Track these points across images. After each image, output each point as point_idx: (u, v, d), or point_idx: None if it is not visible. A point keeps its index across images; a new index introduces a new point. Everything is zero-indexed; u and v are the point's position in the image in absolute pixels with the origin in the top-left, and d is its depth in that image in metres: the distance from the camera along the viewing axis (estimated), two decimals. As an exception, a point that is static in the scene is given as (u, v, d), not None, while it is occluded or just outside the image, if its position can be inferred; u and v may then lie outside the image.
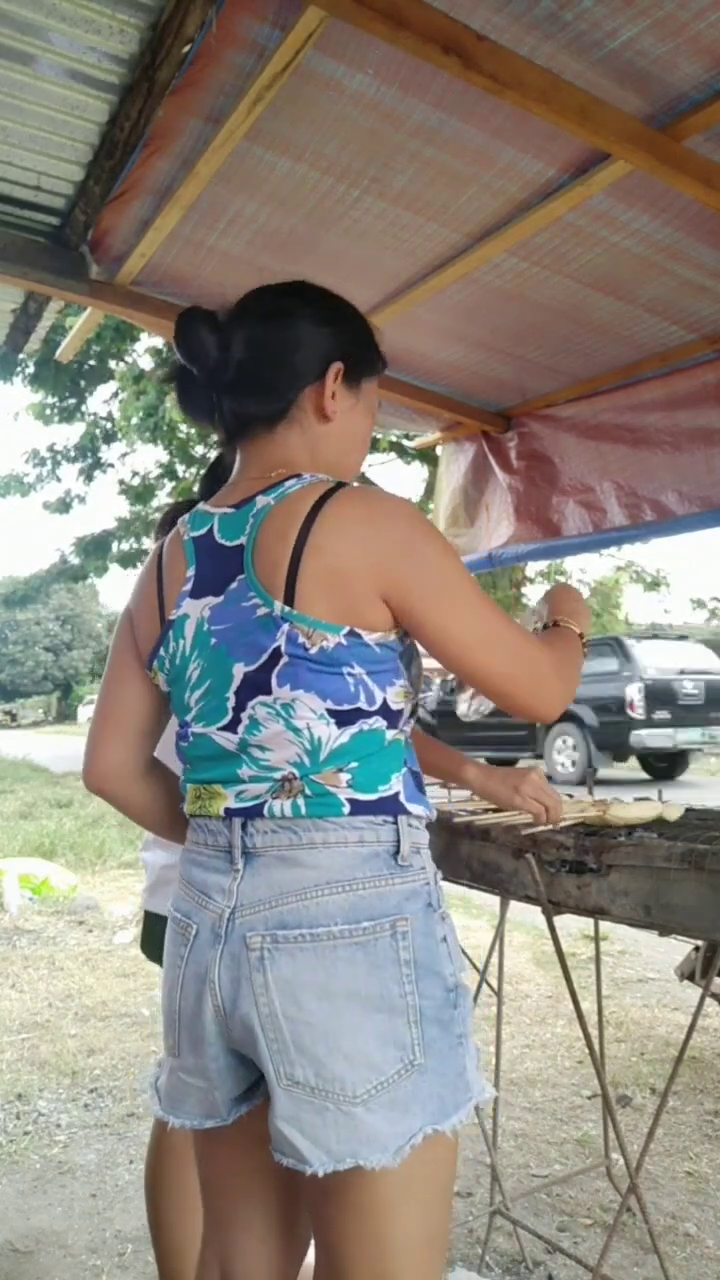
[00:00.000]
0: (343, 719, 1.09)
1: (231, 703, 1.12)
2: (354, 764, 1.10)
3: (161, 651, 1.20)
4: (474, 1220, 2.33)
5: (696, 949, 3.12)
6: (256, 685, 1.10)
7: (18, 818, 10.05)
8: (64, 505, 14.30)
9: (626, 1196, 1.77)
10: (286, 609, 1.07)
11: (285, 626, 1.08)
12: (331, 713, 1.09)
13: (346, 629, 1.08)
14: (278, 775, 1.11)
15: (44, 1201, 2.45)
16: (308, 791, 1.10)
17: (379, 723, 1.12)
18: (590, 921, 1.90)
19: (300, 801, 1.10)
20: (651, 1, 1.52)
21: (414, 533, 1.11)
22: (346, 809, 1.10)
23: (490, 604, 1.15)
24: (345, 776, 1.10)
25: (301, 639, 1.07)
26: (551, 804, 1.61)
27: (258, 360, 1.19)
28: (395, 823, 1.11)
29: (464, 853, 1.88)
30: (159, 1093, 1.24)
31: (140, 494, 14.32)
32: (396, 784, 1.13)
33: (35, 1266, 2.17)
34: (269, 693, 1.09)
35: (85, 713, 46.77)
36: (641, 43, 1.61)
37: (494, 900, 2.00)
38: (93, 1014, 3.90)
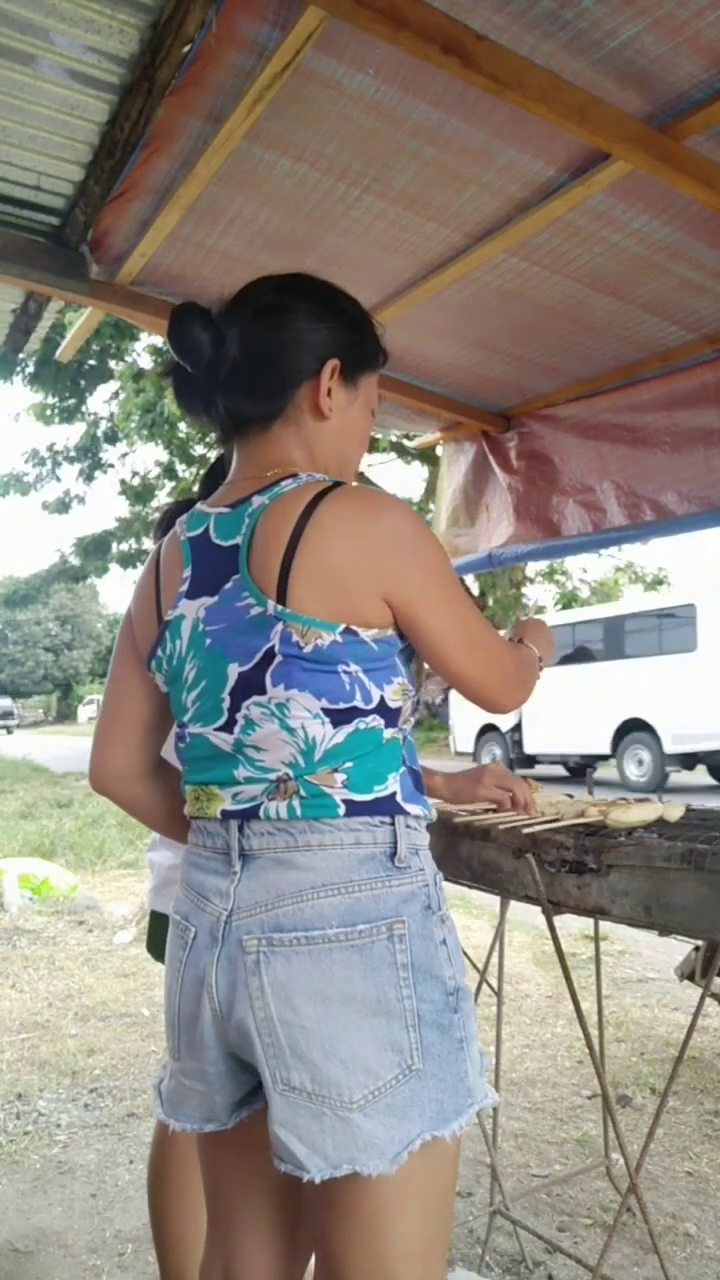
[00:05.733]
0: (338, 718, 1.09)
1: (226, 703, 1.12)
2: (349, 764, 1.10)
3: (159, 652, 1.20)
4: (474, 1220, 2.33)
5: (696, 949, 3.12)
6: (251, 685, 1.10)
7: (18, 818, 10.07)
8: (64, 505, 14.33)
9: (626, 1196, 1.77)
10: (280, 608, 1.07)
11: (279, 625, 1.07)
12: (327, 712, 1.08)
13: (342, 626, 1.07)
14: (273, 776, 1.10)
15: (44, 1201, 2.45)
16: (302, 793, 1.09)
17: (376, 721, 1.11)
18: (590, 921, 1.91)
19: (295, 803, 1.09)
20: (651, 1, 1.52)
21: (413, 533, 1.12)
22: (342, 810, 1.09)
23: (473, 606, 1.19)
24: (340, 777, 1.09)
25: (295, 637, 1.06)
26: (516, 788, 1.67)
27: (252, 359, 1.17)
28: (392, 824, 1.11)
29: (464, 853, 1.88)
30: (161, 1095, 1.24)
31: (140, 494, 14.35)
32: (393, 784, 1.12)
33: (35, 1266, 2.17)
34: (263, 692, 1.09)
35: (85, 713, 46.83)
36: (641, 42, 1.61)
37: (494, 900, 2.00)
38: (93, 1014, 3.90)
